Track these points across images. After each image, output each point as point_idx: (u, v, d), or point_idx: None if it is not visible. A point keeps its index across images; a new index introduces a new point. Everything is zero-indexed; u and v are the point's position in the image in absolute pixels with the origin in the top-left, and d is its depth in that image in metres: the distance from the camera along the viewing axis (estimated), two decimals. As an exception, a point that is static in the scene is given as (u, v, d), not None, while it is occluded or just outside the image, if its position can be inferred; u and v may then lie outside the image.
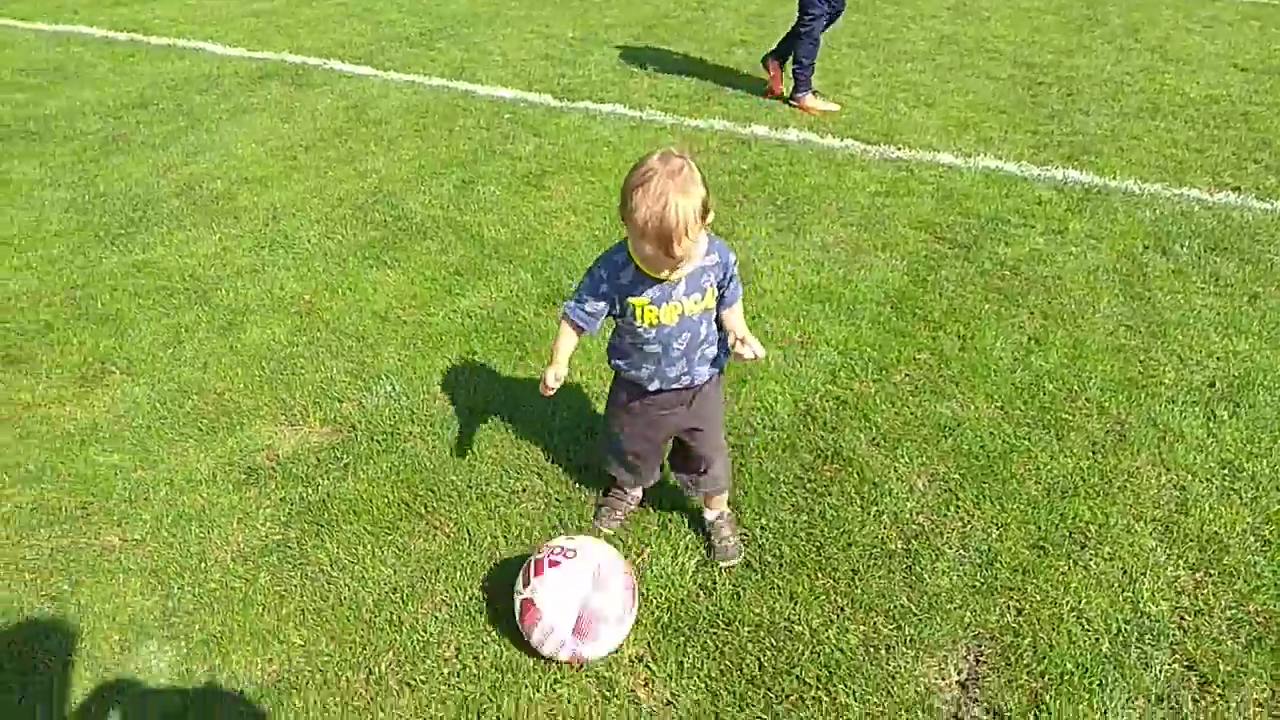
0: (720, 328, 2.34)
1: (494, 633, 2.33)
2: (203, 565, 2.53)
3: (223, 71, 7.05)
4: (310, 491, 2.80)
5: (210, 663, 2.24)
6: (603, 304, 2.22)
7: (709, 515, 2.64)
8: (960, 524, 2.71)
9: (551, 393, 2.32)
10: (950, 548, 2.62)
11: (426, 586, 2.47)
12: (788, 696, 2.18)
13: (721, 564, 2.54)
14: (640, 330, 2.22)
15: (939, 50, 7.62)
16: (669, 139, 5.79)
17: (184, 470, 2.89)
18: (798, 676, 2.23)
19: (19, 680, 2.22)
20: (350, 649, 2.28)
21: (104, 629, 2.34)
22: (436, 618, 2.37)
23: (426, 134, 5.87)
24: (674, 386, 2.35)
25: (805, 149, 5.68)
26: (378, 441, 3.03)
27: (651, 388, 2.34)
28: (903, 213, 4.79)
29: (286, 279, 4.07)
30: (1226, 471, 2.92)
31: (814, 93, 6.28)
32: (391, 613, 2.38)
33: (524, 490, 2.82)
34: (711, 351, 2.34)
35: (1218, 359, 3.53)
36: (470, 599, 2.43)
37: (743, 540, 2.63)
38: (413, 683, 2.19)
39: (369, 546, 2.59)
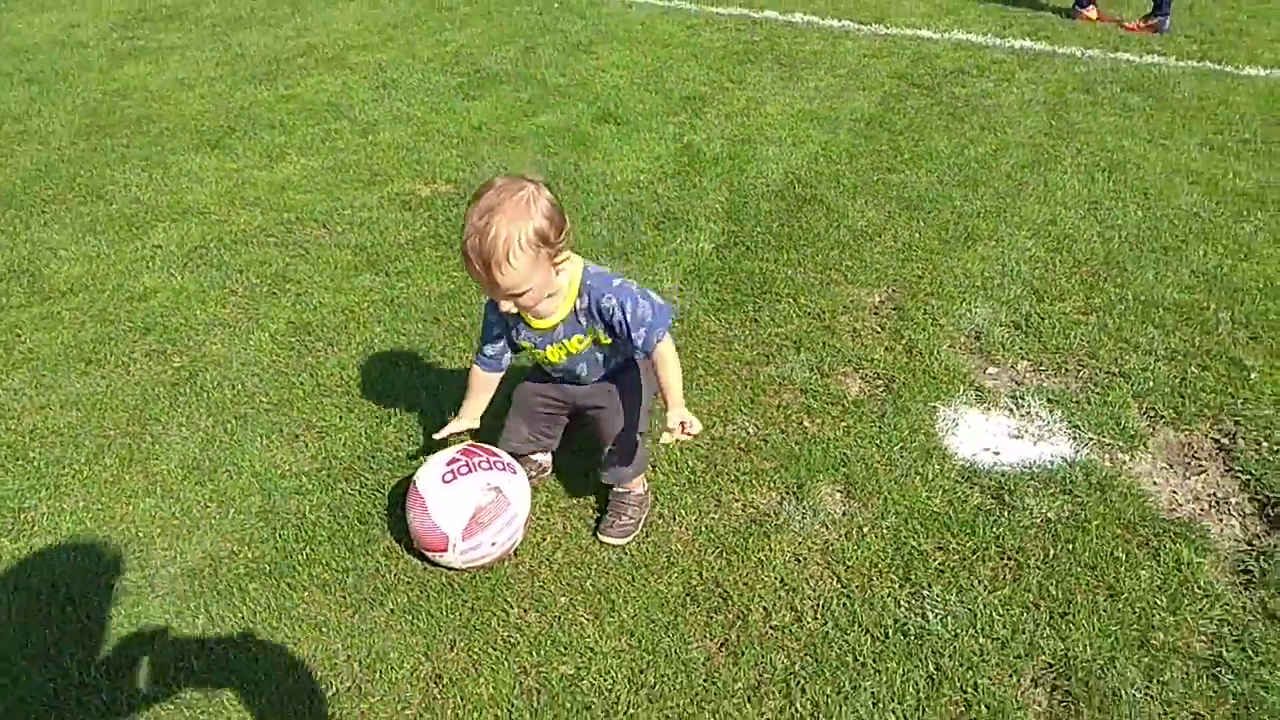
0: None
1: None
2: (383, 243, 3.82)
3: (312, -28, 8.25)
4: (445, 214, 4.08)
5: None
6: (502, 342, 2.22)
7: (614, 487, 2.39)
8: (893, 232, 3.95)
9: (441, 436, 2.29)
10: (885, 240, 3.86)
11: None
12: (751, 319, 3.45)
13: (601, 538, 2.34)
14: (541, 363, 2.26)
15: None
16: (693, 21, 6.96)
17: (361, 202, 4.18)
18: (765, 301, 3.49)
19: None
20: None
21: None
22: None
23: (491, 17, 7.07)
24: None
25: (809, 28, 6.83)
26: (487, 191, 4.31)
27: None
28: (883, 67, 5.96)
29: (401, 106, 5.33)
30: (1089, 206, 4.14)
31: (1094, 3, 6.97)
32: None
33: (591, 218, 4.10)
34: (624, 362, 2.27)
35: (1108, 151, 4.72)
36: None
37: (712, 306, 3.85)
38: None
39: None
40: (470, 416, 2.32)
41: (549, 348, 2.15)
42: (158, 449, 2.67)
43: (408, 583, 2.23)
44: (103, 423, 2.77)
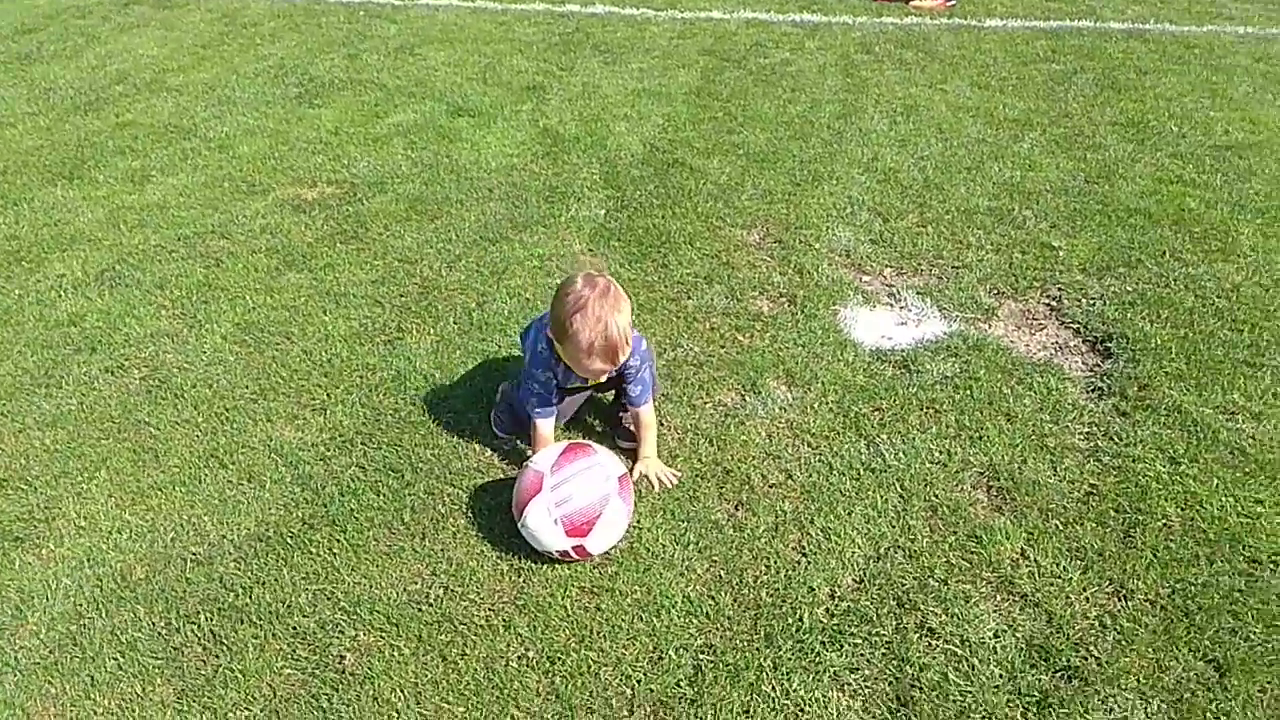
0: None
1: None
2: (293, 243, 3.96)
3: (88, 2, 7.88)
4: (340, 212, 4.25)
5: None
6: (555, 394, 2.55)
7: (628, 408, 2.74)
8: (751, 181, 4.52)
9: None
10: (747, 189, 4.42)
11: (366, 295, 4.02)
12: (660, 265, 3.92)
13: (623, 445, 2.76)
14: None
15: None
16: (503, 19, 7.30)
17: (253, 211, 4.26)
18: (668, 249, 3.96)
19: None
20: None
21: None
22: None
23: (301, 30, 7.10)
24: None
25: (612, 17, 7.35)
26: (372, 188, 4.49)
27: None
28: (692, 47, 6.58)
29: (248, 119, 5.36)
30: (899, 143, 4.90)
31: None
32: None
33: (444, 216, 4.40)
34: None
35: (899, 98, 5.54)
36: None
37: (618, 209, 4.30)
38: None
39: (391, 227, 4.11)
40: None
41: (596, 394, 2.68)
42: (163, 446, 2.77)
43: (458, 510, 2.52)
44: (92, 434, 2.83)
